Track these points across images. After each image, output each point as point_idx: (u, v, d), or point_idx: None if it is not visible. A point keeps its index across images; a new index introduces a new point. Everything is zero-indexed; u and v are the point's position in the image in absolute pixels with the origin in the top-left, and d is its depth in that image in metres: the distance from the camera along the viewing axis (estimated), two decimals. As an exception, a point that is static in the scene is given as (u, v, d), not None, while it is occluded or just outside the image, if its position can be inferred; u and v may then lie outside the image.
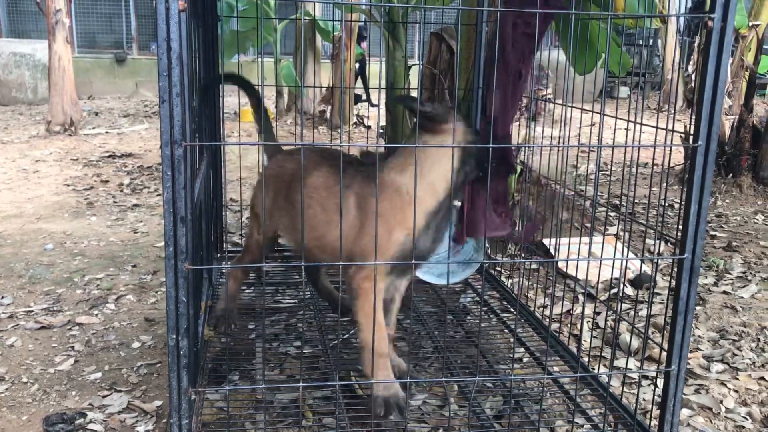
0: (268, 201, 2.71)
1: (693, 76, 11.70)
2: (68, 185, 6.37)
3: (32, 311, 3.48)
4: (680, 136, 5.47)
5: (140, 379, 2.85)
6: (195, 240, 2.00)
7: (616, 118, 2.47)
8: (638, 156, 6.00)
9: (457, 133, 2.19)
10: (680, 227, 1.82)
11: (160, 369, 2.93)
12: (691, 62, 11.75)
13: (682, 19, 11.39)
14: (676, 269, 1.82)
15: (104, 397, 2.70)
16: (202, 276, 2.90)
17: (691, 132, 1.75)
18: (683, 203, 1.75)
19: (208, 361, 2.71)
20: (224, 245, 3.58)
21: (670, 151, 2.16)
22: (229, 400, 2.52)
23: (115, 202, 5.82)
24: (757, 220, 5.56)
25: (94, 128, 9.84)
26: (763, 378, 2.92)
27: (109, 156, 7.82)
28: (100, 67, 14.89)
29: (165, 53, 1.53)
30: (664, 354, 1.94)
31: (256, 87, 2.85)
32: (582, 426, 2.32)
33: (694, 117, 1.72)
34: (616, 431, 2.26)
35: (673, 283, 1.89)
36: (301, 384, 2.17)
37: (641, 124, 2.27)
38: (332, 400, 2.52)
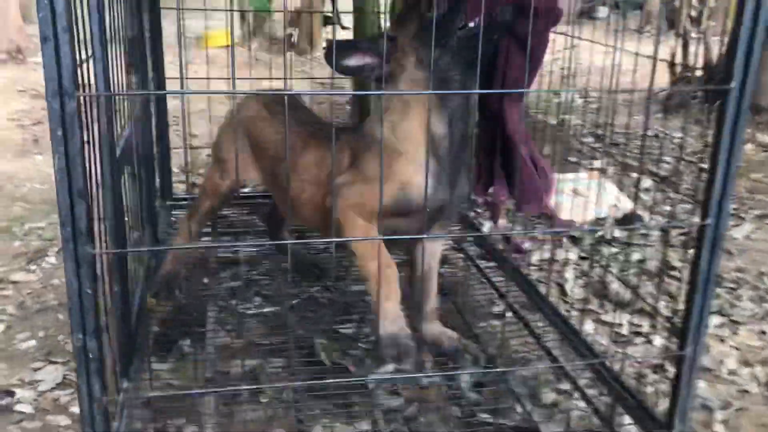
0: (242, 147, 2.47)
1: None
2: (13, 119, 5.88)
3: (-39, 268, 3.13)
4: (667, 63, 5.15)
5: (79, 347, 2.55)
6: (118, 205, 1.67)
7: (596, 43, 2.14)
8: (618, 81, 5.65)
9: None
10: (676, 164, 1.52)
11: (101, 335, 2.63)
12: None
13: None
14: (696, 238, 1.53)
15: (36, 370, 2.40)
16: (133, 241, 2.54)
17: (677, 61, 1.43)
18: (709, 159, 1.44)
19: (154, 325, 2.42)
20: (172, 190, 3.24)
21: (653, 77, 1.82)
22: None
23: (63, 138, 5.39)
24: (746, 150, 5.30)
25: (44, 55, 9.23)
26: (764, 332, 2.70)
27: (60, 86, 7.29)
28: (52, -12, 14.01)
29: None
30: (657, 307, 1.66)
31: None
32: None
33: (724, 51, 1.39)
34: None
35: (665, 225, 1.60)
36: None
37: (622, 49, 2.03)
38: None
